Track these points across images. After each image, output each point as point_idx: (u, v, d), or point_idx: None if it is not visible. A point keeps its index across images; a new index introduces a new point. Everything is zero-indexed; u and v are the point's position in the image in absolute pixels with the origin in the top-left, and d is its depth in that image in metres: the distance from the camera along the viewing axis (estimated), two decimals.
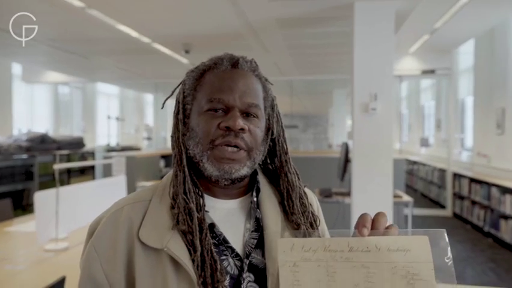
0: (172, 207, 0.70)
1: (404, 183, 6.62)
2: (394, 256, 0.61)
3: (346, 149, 4.02)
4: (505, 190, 5.21)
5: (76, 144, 7.50)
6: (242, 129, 0.69)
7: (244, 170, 0.71)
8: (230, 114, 0.69)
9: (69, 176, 7.17)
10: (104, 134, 10.09)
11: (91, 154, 7.83)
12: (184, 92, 0.75)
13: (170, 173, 0.76)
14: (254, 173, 0.78)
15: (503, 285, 3.91)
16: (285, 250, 0.64)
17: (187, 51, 5.83)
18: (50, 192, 2.48)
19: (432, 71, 7.23)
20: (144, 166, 6.14)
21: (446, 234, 0.62)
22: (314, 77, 9.20)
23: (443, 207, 7.57)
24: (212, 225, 0.71)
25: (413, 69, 7.25)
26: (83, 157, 7.53)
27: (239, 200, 0.76)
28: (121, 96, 12.14)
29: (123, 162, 5.05)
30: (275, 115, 0.79)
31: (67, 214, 2.84)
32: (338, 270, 0.62)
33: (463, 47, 7.06)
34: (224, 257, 0.70)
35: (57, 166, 2.59)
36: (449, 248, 0.61)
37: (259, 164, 0.77)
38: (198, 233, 0.67)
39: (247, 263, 0.69)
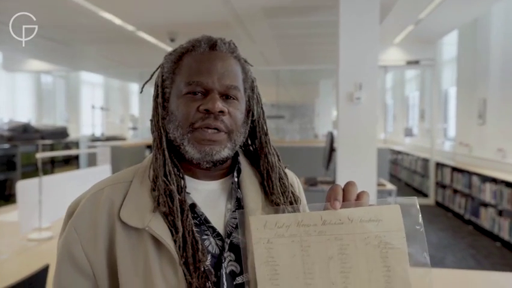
0: (153, 190, 0.70)
1: (388, 173, 6.73)
2: (366, 227, 0.61)
3: (331, 138, 4.06)
4: (485, 179, 5.34)
5: (60, 134, 7.39)
6: (221, 112, 0.69)
7: (225, 152, 0.71)
8: (209, 97, 0.69)
9: (53, 166, 7.08)
10: (88, 124, 9.96)
11: (75, 144, 7.74)
12: (162, 76, 0.75)
13: (150, 155, 0.76)
14: (235, 155, 0.78)
15: (483, 270, 4.03)
16: (258, 227, 0.65)
17: (172, 40, 5.77)
18: (32, 182, 2.45)
19: (416, 62, 7.31)
20: (129, 156, 6.10)
21: (417, 202, 0.63)
22: (301, 66, 9.22)
23: (426, 195, 7.72)
24: (193, 206, 0.71)
25: (398, 59, 7.33)
26: (67, 147, 7.44)
27: (220, 181, 0.76)
28: (105, 85, 11.98)
29: (108, 151, 5.00)
30: (255, 96, 0.79)
31: (50, 203, 2.81)
32: (312, 244, 0.63)
33: (447, 37, 7.15)
34: (205, 237, 0.70)
35: (40, 155, 2.56)
36: (420, 215, 0.62)
37: (240, 145, 0.77)
38: (179, 214, 0.67)
39: (228, 242, 0.70)
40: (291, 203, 0.76)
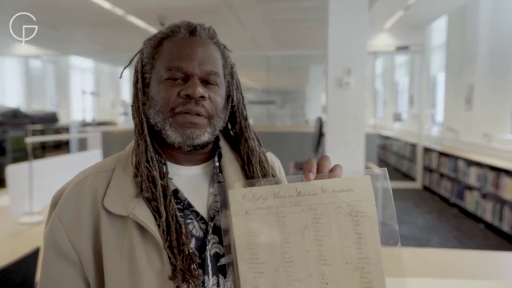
0: (136, 176, 0.70)
1: (376, 157, 6.81)
2: (339, 196, 0.64)
3: (320, 123, 4.11)
4: (470, 163, 5.45)
5: (50, 119, 7.34)
6: (202, 97, 0.69)
7: (206, 136, 0.72)
8: (190, 82, 0.70)
9: (43, 152, 7.05)
10: (79, 109, 9.88)
11: (66, 129, 7.69)
12: (142, 61, 0.74)
13: (132, 142, 0.76)
14: (216, 140, 0.80)
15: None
16: (237, 200, 0.67)
17: (162, 24, 5.73)
18: (22, 166, 2.47)
19: (406, 48, 7.34)
20: (120, 141, 6.10)
21: (386, 173, 0.66)
22: (291, 52, 9.20)
23: (413, 180, 7.85)
24: (176, 191, 0.72)
25: (388, 45, 7.35)
26: (57, 132, 7.39)
27: (202, 166, 0.77)
28: (95, 70, 11.85)
29: (99, 137, 5.01)
30: (235, 82, 0.79)
31: (41, 188, 2.84)
32: (288, 215, 0.66)
33: (436, 23, 7.18)
34: (189, 221, 0.71)
35: (30, 139, 2.57)
36: (389, 185, 0.66)
37: (220, 130, 0.78)
38: (162, 200, 0.68)
39: (212, 225, 0.72)
40: None
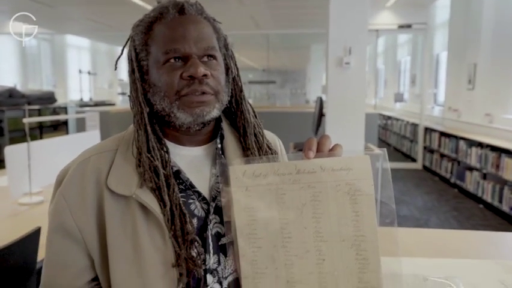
0: (138, 166, 0.70)
1: (376, 138, 6.80)
2: (338, 175, 0.66)
3: (320, 103, 4.07)
4: (471, 143, 5.44)
5: (47, 99, 7.27)
6: (205, 75, 0.69)
7: (215, 112, 0.72)
8: (190, 63, 0.69)
9: (41, 132, 7.02)
10: (76, 88, 9.80)
11: (63, 109, 7.63)
12: (135, 49, 0.73)
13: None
14: (218, 120, 0.79)
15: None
16: (237, 176, 0.68)
17: (158, 1, 5.60)
18: (21, 147, 2.45)
19: (408, 26, 7.23)
20: (119, 121, 6.06)
21: (386, 153, 0.67)
22: (292, 30, 9.06)
23: (414, 160, 7.86)
24: (178, 172, 0.72)
25: (390, 23, 7.24)
26: (55, 112, 7.34)
27: (204, 147, 0.78)
28: (92, 49, 11.69)
29: (97, 117, 4.96)
30: (230, 53, 0.78)
31: (40, 168, 2.82)
32: (287, 192, 0.67)
33: (440, 0, 7.04)
34: (191, 201, 0.72)
35: (27, 120, 2.54)
36: (388, 165, 0.67)
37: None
38: (165, 189, 0.69)
39: (214, 205, 0.73)
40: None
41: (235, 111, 0.81)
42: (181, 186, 0.72)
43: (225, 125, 0.81)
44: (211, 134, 0.79)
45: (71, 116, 6.22)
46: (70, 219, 0.70)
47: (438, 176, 6.67)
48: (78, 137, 3.47)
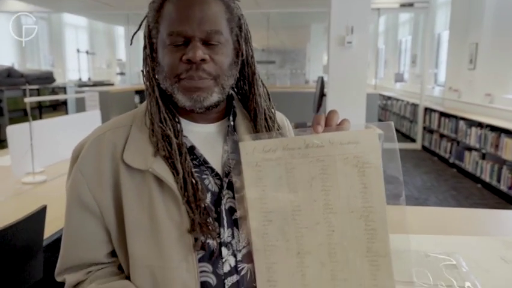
0: (152, 136, 0.73)
1: (377, 118, 6.80)
2: (346, 148, 0.67)
3: (321, 83, 4.05)
4: (471, 123, 5.45)
5: (46, 78, 7.22)
6: (203, 60, 0.69)
7: (214, 97, 0.72)
8: (190, 46, 0.69)
9: (40, 112, 7.00)
10: (74, 68, 9.71)
11: (62, 89, 7.59)
12: (149, 26, 0.74)
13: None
14: (231, 98, 0.80)
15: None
16: (248, 152, 0.70)
17: None
18: (22, 126, 2.45)
19: (411, 4, 7.14)
20: (118, 101, 6.04)
21: (393, 126, 0.68)
22: (292, 9, 8.93)
23: (413, 140, 7.87)
24: (192, 148, 0.74)
25: (392, 2, 7.14)
26: (53, 92, 7.30)
27: (217, 124, 0.79)
28: (90, 28, 11.52)
29: (96, 97, 4.94)
30: (243, 35, 0.76)
31: (42, 148, 2.82)
32: (296, 166, 0.69)
33: None
34: (205, 176, 0.74)
35: (28, 99, 2.54)
36: (395, 137, 0.68)
37: (232, 87, 0.79)
38: (178, 157, 0.70)
39: (227, 181, 0.74)
40: None
41: (247, 94, 0.81)
42: (195, 162, 0.74)
43: (237, 103, 0.82)
44: (224, 111, 0.80)
45: (70, 96, 6.19)
46: (87, 193, 0.73)
47: (437, 156, 6.70)
48: (79, 117, 3.46)
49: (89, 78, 9.85)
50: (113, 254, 0.77)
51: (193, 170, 0.72)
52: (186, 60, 0.69)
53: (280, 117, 0.89)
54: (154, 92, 0.74)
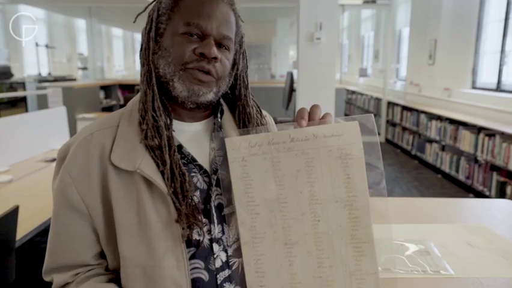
0: (141, 124, 0.73)
1: (343, 112, 6.96)
2: (329, 141, 0.70)
3: (291, 79, 4.11)
4: (431, 116, 5.70)
5: (3, 73, 6.88)
6: (215, 58, 0.71)
7: (211, 95, 0.74)
8: (206, 41, 0.71)
9: None
10: (33, 63, 9.30)
11: (21, 85, 7.25)
12: (159, 11, 0.75)
13: (134, 98, 0.78)
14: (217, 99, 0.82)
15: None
16: (234, 148, 0.72)
17: None
18: None
19: (373, 1, 7.33)
20: (83, 97, 5.85)
21: (373, 118, 0.72)
22: (258, 4, 8.94)
23: (377, 133, 8.12)
24: (180, 147, 0.75)
25: None
26: (12, 88, 6.97)
27: (203, 122, 0.81)
28: (48, 21, 11.04)
29: (60, 93, 4.77)
30: (242, 52, 0.82)
31: (5, 147, 2.72)
32: (282, 160, 0.71)
33: None
34: (193, 174, 0.75)
35: None
36: (375, 129, 0.72)
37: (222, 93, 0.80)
38: (167, 149, 0.71)
39: (215, 178, 0.76)
40: None
41: (235, 104, 0.83)
42: (183, 161, 0.75)
43: (224, 103, 0.84)
44: (211, 111, 0.82)
45: (32, 92, 5.94)
46: (76, 195, 0.72)
47: (400, 148, 6.97)
48: (44, 114, 3.34)
49: (49, 73, 9.46)
50: (101, 255, 0.77)
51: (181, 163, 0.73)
52: (199, 53, 0.71)
53: (264, 114, 0.91)
54: (151, 78, 0.74)
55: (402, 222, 1.49)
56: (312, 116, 0.71)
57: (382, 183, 0.72)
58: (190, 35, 0.72)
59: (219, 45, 0.74)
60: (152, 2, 0.77)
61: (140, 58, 0.77)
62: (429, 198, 1.91)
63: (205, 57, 0.71)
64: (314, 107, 0.72)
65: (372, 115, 0.72)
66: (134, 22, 0.80)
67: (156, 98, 0.73)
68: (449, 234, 1.37)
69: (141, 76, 0.76)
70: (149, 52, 0.74)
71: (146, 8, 0.79)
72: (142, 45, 0.76)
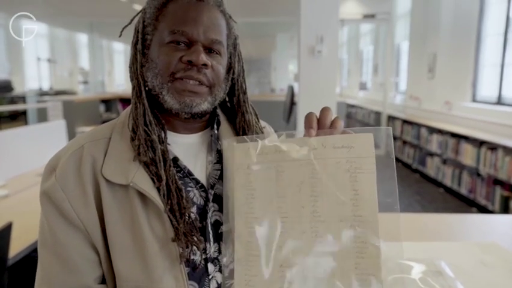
0: (133, 140, 0.69)
1: (343, 126, 6.94)
2: (339, 152, 0.63)
3: (292, 92, 4.10)
4: (432, 130, 5.68)
5: (3, 87, 6.90)
6: (205, 65, 0.67)
7: (205, 105, 0.70)
8: (193, 49, 0.67)
9: None
10: (34, 77, 9.32)
11: (22, 99, 7.26)
12: (144, 21, 0.71)
13: (127, 109, 0.74)
14: (213, 108, 0.78)
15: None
16: (240, 155, 0.68)
17: None
18: None
19: (372, 16, 7.38)
20: (83, 111, 5.84)
21: (391, 132, 0.65)
22: (257, 19, 9.02)
23: (377, 147, 8.08)
24: (175, 159, 0.71)
25: (355, 13, 7.36)
26: (12, 101, 6.98)
27: (199, 134, 0.77)
28: (50, 35, 11.13)
29: (60, 106, 4.77)
30: (237, 54, 0.78)
31: (3, 161, 2.69)
32: (286, 170, 0.65)
33: None
34: (190, 189, 0.71)
35: None
36: (392, 144, 0.65)
37: (219, 101, 0.76)
38: (162, 164, 0.67)
39: (212, 193, 0.72)
40: None
41: (235, 111, 0.80)
42: (179, 174, 0.71)
43: (220, 114, 0.80)
44: (207, 122, 0.78)
45: (32, 106, 5.93)
46: (70, 211, 0.67)
47: (401, 162, 6.93)
48: (42, 127, 3.32)
49: (50, 87, 9.48)
50: (102, 280, 0.71)
51: (177, 179, 0.69)
52: (187, 61, 0.67)
53: (263, 125, 0.87)
54: (140, 92, 0.70)
55: (407, 239, 1.43)
56: (322, 120, 0.65)
57: (396, 203, 0.64)
58: (177, 43, 0.68)
59: (209, 50, 0.69)
60: (138, 13, 0.74)
61: (129, 72, 0.73)
62: (434, 214, 1.87)
63: (193, 65, 0.67)
64: (324, 111, 0.66)
65: (391, 128, 0.65)
66: (119, 36, 0.77)
67: (147, 112, 0.70)
68: (461, 252, 1.30)
69: (132, 90, 0.72)
70: (138, 65, 0.71)
71: (131, 20, 0.75)
72: (130, 59, 0.73)
